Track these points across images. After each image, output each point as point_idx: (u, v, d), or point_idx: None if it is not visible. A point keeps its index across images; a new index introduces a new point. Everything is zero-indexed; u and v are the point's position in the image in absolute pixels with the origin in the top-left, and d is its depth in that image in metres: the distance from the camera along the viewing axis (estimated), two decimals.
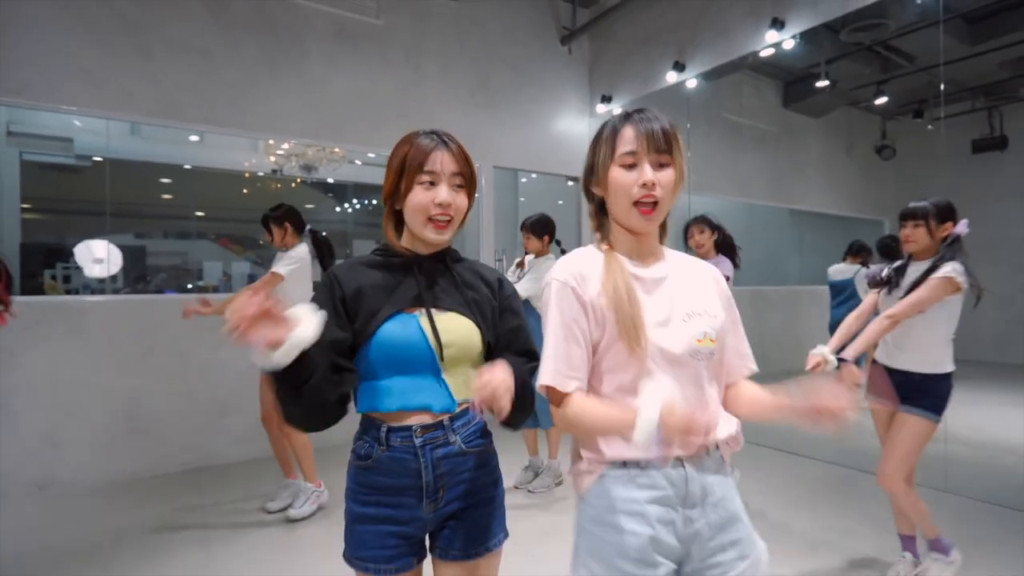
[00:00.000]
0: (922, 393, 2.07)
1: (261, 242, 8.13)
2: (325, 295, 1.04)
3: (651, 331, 0.93)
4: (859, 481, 3.39)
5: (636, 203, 0.94)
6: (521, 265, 3.35)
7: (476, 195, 1.11)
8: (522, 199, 6.86)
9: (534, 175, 5.96)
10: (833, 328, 2.25)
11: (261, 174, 6.55)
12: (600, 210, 1.03)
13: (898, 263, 2.22)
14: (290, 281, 2.89)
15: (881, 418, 2.22)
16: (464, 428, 1.07)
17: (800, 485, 3.39)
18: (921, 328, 2.08)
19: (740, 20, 4.14)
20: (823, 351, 2.02)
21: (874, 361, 2.25)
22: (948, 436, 3.53)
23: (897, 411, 2.11)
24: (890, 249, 3.95)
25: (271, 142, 5.44)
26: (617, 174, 0.95)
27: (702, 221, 3.11)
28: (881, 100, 5.45)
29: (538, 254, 3.28)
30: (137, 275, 5.93)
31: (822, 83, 5.29)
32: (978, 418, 4.28)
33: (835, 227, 5.76)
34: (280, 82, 4.08)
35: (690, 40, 4.56)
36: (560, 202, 6.03)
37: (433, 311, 1.05)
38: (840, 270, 4.61)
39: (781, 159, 5.97)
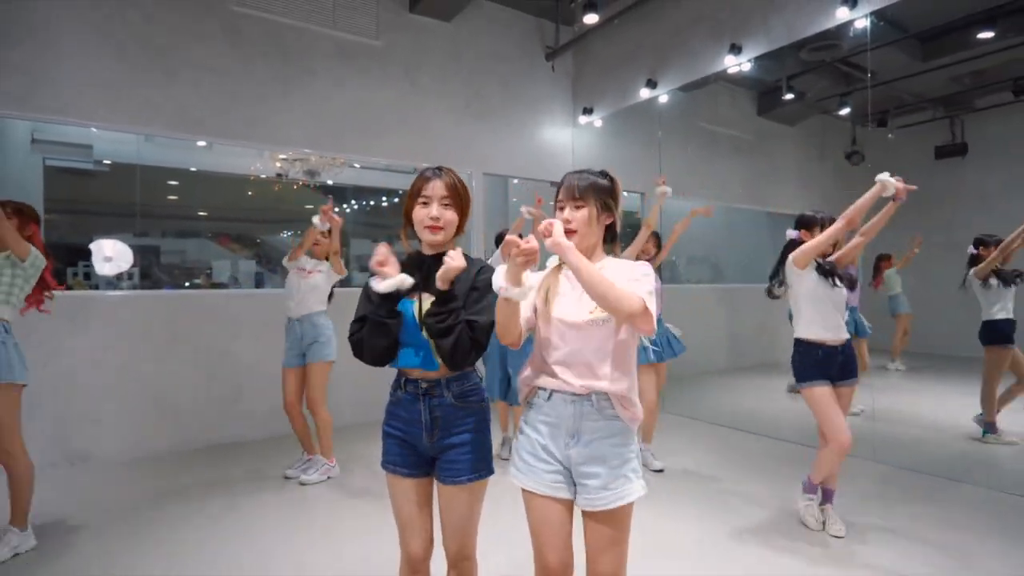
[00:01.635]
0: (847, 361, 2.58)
1: (258, 240, 8.51)
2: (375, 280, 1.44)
3: (557, 309, 1.39)
4: (801, 454, 3.84)
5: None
6: None
7: (469, 212, 1.53)
8: (514, 200, 7.26)
9: (515, 181, 6.33)
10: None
11: (265, 177, 6.93)
12: None
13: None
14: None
15: (832, 396, 2.56)
16: (458, 386, 1.46)
17: (750, 457, 3.83)
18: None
19: (703, 44, 4.56)
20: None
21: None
22: (876, 415, 3.99)
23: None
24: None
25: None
26: (558, 212, 1.44)
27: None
28: (845, 111, 5.79)
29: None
30: (151, 272, 6.32)
31: (787, 96, 5.66)
32: (919, 402, 4.73)
33: None
34: (289, 98, 4.50)
35: (660, 60, 4.99)
36: (551, 203, 6.38)
37: (425, 295, 1.45)
38: None
39: (758, 164, 6.27)
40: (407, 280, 1.37)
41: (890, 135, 5.67)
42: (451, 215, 1.46)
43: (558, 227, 1.27)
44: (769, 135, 6.19)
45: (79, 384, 3.71)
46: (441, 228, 1.45)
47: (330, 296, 3.49)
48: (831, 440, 2.53)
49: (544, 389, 1.40)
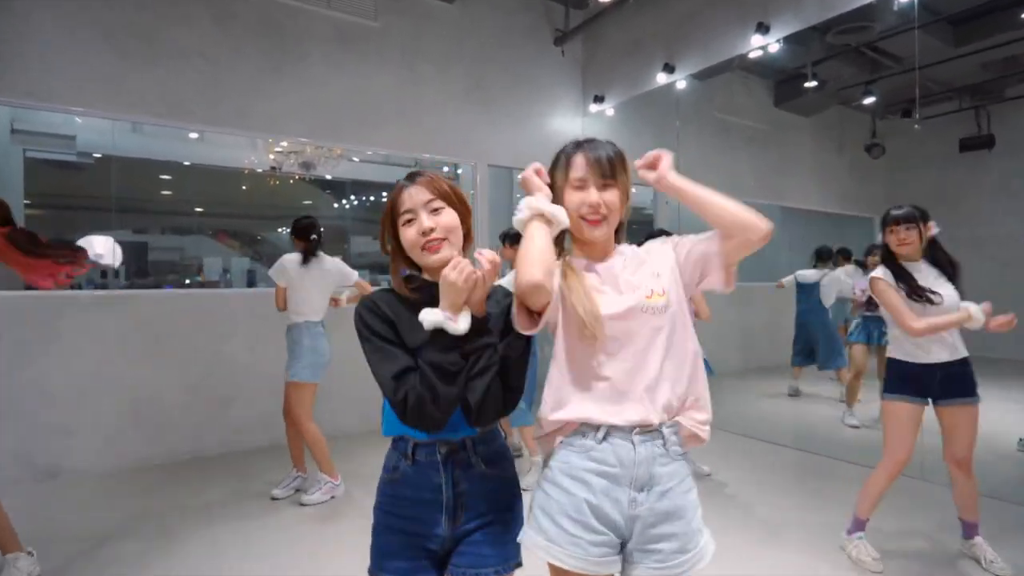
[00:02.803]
0: (964, 380, 2.29)
1: (259, 238, 8.25)
2: (378, 322, 1.10)
3: (602, 306, 1.07)
4: (832, 468, 3.54)
5: (582, 218, 1.11)
6: None
7: (469, 201, 1.19)
8: (518, 195, 6.96)
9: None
10: (799, 323, 2.36)
11: (260, 171, 6.65)
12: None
13: (891, 270, 2.33)
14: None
15: (910, 415, 2.32)
16: (486, 448, 1.13)
17: (773, 471, 3.53)
18: None
19: (726, 24, 4.26)
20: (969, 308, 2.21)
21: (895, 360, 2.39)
22: (924, 426, 3.68)
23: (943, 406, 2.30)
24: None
25: (271, 140, 5.55)
26: (569, 195, 1.12)
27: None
28: (869, 100, 5.53)
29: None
30: (138, 270, 6.04)
31: (810, 84, 5.38)
32: None
33: (825, 225, 5.84)
34: (281, 83, 4.19)
35: (679, 43, 4.67)
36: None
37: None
38: (807, 275, 4.89)
39: (772, 157, 6.03)
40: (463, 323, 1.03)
41: (917, 125, 5.42)
42: (448, 218, 1.10)
43: (667, 160, 1.08)
44: (785, 126, 5.97)
45: (49, 392, 3.42)
46: (443, 240, 1.09)
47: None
48: (886, 455, 2.35)
49: (593, 426, 1.06)
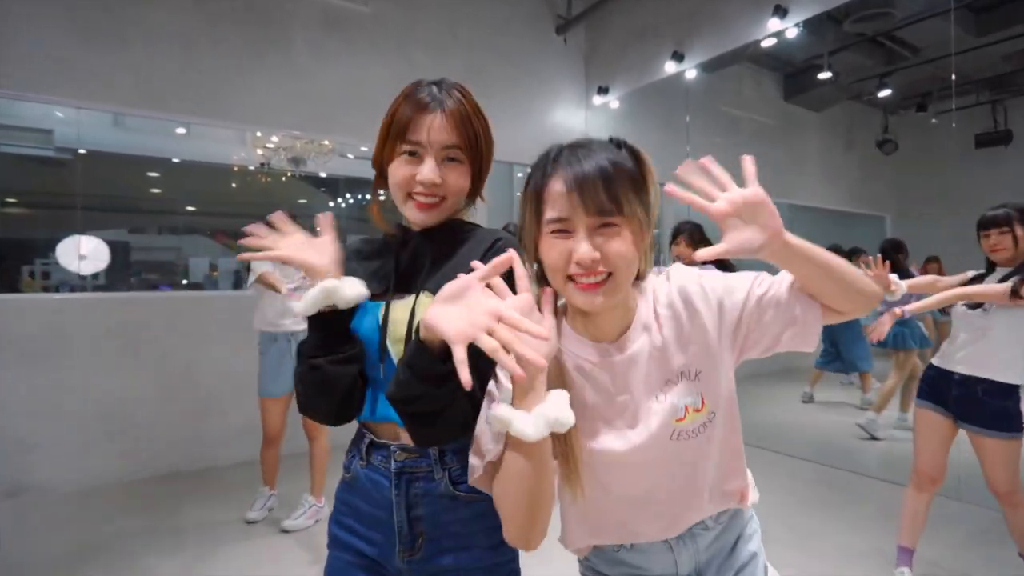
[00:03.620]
0: (987, 407, 1.99)
1: None
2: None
3: (602, 440, 0.76)
4: (850, 483, 3.29)
5: (571, 278, 0.72)
6: None
7: (489, 169, 0.90)
8: (518, 194, 6.72)
9: (530, 169, 5.83)
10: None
11: (251, 168, 6.39)
12: (544, 280, 0.77)
13: (973, 274, 2.14)
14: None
15: (932, 424, 2.10)
16: (459, 462, 0.82)
17: (793, 488, 3.28)
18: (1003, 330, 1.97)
19: (741, 8, 4.01)
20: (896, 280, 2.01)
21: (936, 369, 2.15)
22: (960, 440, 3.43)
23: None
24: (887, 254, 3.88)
25: (259, 135, 5.28)
26: (546, 245, 0.73)
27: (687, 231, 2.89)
28: (884, 93, 5.34)
29: None
30: (120, 272, 5.77)
31: (824, 75, 5.17)
32: None
33: (834, 222, 5.67)
34: (265, 72, 3.93)
35: (689, 29, 4.43)
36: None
37: (397, 298, 0.85)
38: None
39: (780, 153, 5.82)
40: (352, 290, 0.79)
41: (933, 120, 5.23)
42: (457, 178, 0.84)
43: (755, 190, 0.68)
44: (794, 121, 5.79)
45: (9, 404, 3.14)
46: (441, 199, 0.84)
47: None
48: (913, 469, 2.14)
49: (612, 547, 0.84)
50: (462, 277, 0.67)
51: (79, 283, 5.00)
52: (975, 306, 2.01)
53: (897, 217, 5.17)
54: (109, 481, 3.35)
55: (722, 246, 0.68)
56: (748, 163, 0.70)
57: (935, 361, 2.15)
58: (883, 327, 1.99)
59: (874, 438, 3.96)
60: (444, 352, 0.65)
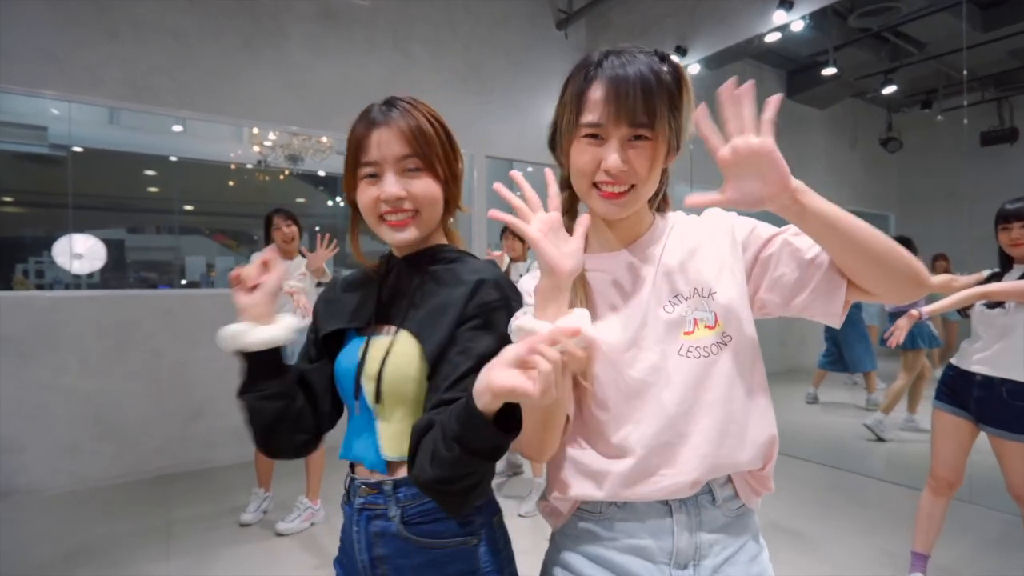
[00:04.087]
0: (1008, 409, 1.90)
1: (255, 238, 7.95)
2: (311, 325, 0.90)
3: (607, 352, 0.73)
4: (857, 485, 3.22)
5: (595, 185, 0.73)
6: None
7: (461, 174, 0.86)
8: (518, 193, 6.65)
9: (530, 168, 5.77)
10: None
11: (249, 166, 6.33)
12: (568, 185, 0.79)
13: (989, 272, 2.05)
14: None
15: (951, 427, 2.03)
16: (414, 501, 0.77)
17: (800, 490, 3.21)
18: None
19: (745, 2, 3.94)
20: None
21: (955, 368, 2.07)
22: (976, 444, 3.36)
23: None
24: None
25: (255, 132, 5.21)
26: (578, 149, 0.73)
27: None
28: (889, 89, 5.28)
29: (518, 259, 3.15)
30: (115, 270, 5.71)
31: (829, 71, 5.10)
32: None
33: None
34: (260, 67, 3.86)
35: (692, 24, 4.36)
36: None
37: (377, 332, 0.82)
38: None
39: (783, 151, 5.77)
40: (259, 335, 0.76)
41: (939, 117, 5.17)
42: (423, 187, 0.80)
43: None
44: (797, 119, 5.71)
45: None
46: (414, 213, 0.80)
47: None
48: (929, 473, 2.06)
49: (605, 503, 0.75)
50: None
51: (73, 282, 4.94)
52: (994, 305, 1.93)
53: (901, 215, 5.12)
54: (100, 483, 3.29)
55: (716, 194, 0.66)
56: (771, 106, 0.64)
57: (954, 362, 2.07)
58: (901, 332, 1.91)
59: (881, 439, 3.88)
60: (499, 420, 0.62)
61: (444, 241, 0.88)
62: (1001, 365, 1.91)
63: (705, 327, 0.73)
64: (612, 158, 0.69)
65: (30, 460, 3.14)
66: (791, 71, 5.68)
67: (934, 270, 4.55)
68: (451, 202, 0.84)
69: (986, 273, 2.05)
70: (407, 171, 0.80)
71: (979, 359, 1.97)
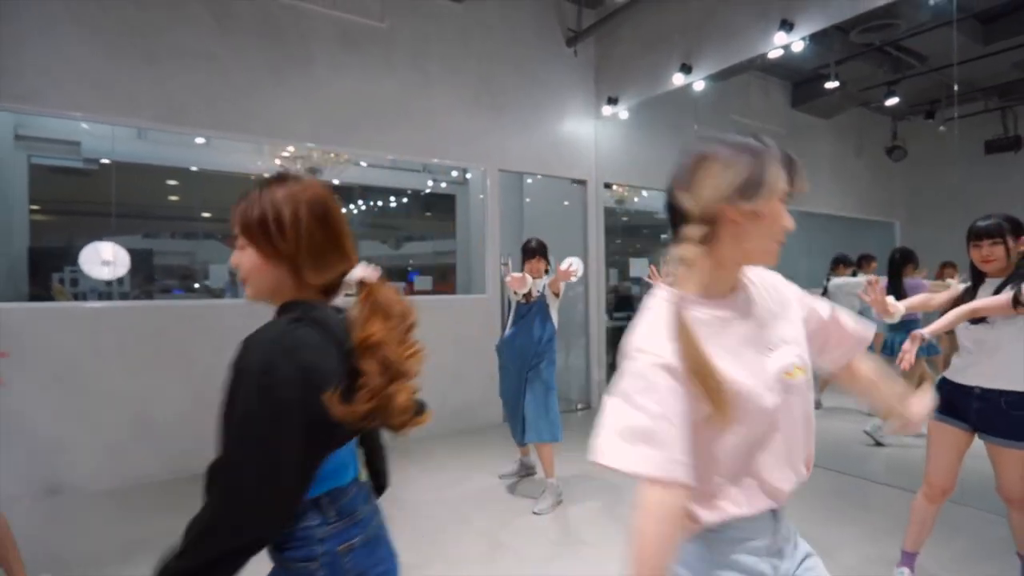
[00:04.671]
0: (1004, 417, 1.98)
1: None
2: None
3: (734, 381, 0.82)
4: (858, 488, 3.34)
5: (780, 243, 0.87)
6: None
7: (299, 230, 0.92)
8: (528, 200, 6.81)
9: (539, 176, 5.95)
10: None
11: (267, 176, 6.55)
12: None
13: (963, 286, 2.13)
14: None
15: (948, 438, 2.11)
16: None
17: (801, 494, 3.33)
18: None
19: (748, 22, 4.09)
20: (894, 303, 2.05)
21: (948, 381, 2.15)
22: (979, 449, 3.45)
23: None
24: (896, 264, 3.88)
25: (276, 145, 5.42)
26: (779, 209, 0.84)
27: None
28: (892, 101, 5.37)
29: (538, 277, 3.25)
30: (144, 277, 5.94)
31: (831, 84, 5.21)
32: None
33: (845, 229, 5.68)
34: (285, 86, 4.07)
35: (697, 42, 4.51)
36: (566, 203, 5.99)
37: None
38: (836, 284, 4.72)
39: None
40: None
41: (941, 127, 5.25)
42: (245, 261, 0.92)
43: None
44: (803, 129, 5.81)
45: (46, 407, 3.30)
46: (244, 280, 0.94)
47: None
48: (924, 478, 2.14)
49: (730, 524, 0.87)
50: None
51: (105, 289, 5.17)
52: (977, 321, 2.00)
53: (907, 223, 5.18)
54: (141, 481, 3.50)
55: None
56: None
57: (948, 375, 2.13)
58: (910, 354, 1.93)
59: (880, 444, 4.00)
60: None
61: (294, 299, 0.94)
62: (998, 377, 1.98)
63: (798, 369, 0.89)
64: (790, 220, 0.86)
65: (76, 459, 3.36)
66: (796, 82, 5.78)
67: (941, 277, 4.65)
68: (294, 273, 0.92)
69: (961, 287, 2.13)
70: (238, 247, 0.95)
71: (975, 373, 2.03)
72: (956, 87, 3.54)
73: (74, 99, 3.42)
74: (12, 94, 3.25)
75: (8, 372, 3.18)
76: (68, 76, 3.39)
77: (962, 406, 2.06)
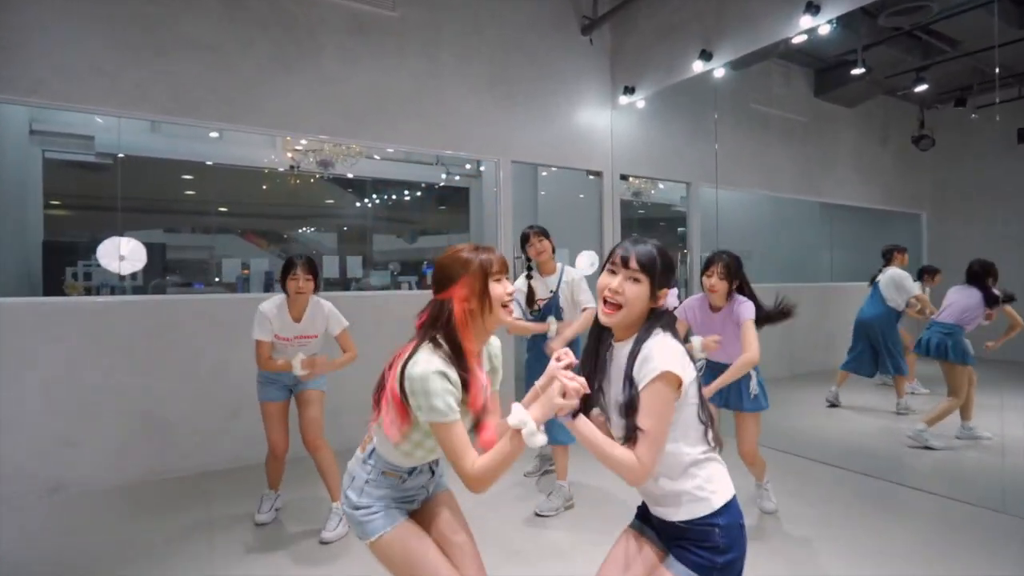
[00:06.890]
0: None
1: (285, 237, 8.20)
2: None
3: None
4: (897, 495, 3.21)
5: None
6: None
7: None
8: (542, 192, 6.71)
9: (554, 168, 5.83)
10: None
11: (281, 170, 6.52)
12: None
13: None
14: None
15: None
16: None
17: (831, 500, 3.21)
18: None
19: (771, 5, 3.92)
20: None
21: None
22: (1005, 449, 3.29)
23: None
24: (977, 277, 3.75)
25: (288, 138, 5.38)
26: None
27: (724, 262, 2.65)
28: (921, 87, 5.17)
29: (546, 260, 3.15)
30: (156, 272, 5.95)
31: (857, 71, 5.02)
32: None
33: (868, 221, 5.53)
34: (295, 77, 4.00)
35: (717, 27, 4.35)
36: (581, 195, 5.88)
37: None
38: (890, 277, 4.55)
39: (811, 151, 5.75)
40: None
41: (973, 115, 5.05)
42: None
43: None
44: (826, 118, 5.66)
45: (51, 402, 3.28)
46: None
47: None
48: None
49: None
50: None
51: (119, 284, 5.18)
52: None
53: (934, 215, 5.02)
54: (145, 478, 3.47)
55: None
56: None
57: None
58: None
59: (929, 448, 3.76)
60: None
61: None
62: None
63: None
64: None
65: (82, 456, 3.34)
66: (819, 70, 5.61)
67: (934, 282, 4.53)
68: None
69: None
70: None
71: None
72: (998, 70, 3.34)
73: (83, 91, 3.38)
74: (20, 86, 3.22)
75: (14, 367, 3.17)
76: (76, 68, 3.35)
77: None
